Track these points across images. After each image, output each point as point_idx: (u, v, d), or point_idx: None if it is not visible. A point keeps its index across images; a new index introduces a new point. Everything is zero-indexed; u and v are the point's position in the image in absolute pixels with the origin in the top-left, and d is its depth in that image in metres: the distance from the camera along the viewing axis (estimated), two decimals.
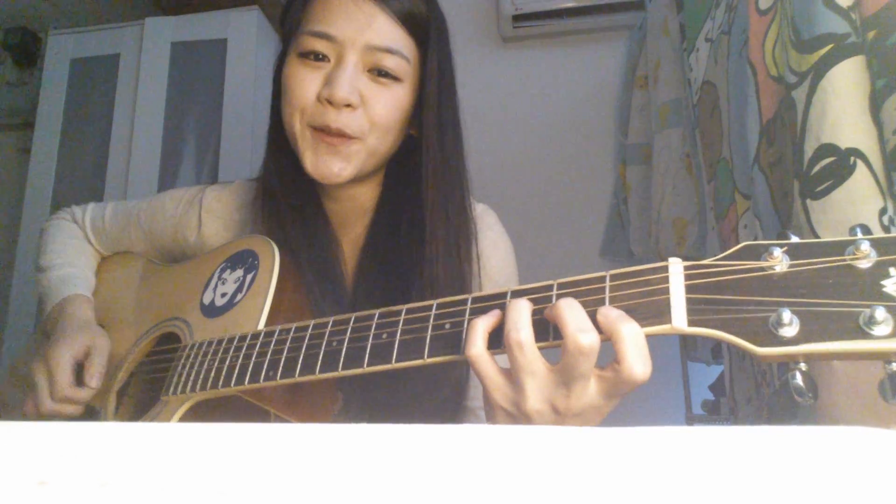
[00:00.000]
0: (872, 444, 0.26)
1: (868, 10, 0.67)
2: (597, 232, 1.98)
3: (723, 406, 1.61)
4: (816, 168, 0.70)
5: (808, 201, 0.70)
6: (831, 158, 0.68)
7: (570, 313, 0.46)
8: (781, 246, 0.43)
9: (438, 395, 0.76)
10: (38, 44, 2.53)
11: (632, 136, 1.82)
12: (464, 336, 0.51)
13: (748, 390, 1.01)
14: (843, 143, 0.68)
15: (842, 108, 0.68)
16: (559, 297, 0.49)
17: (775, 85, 0.82)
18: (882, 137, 0.66)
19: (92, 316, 0.89)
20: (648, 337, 0.46)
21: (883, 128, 0.66)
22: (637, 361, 0.45)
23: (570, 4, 2.00)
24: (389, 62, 0.75)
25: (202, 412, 0.67)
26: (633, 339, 0.45)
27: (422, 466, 0.26)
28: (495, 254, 0.84)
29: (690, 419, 1.68)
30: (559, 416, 0.48)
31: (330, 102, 0.74)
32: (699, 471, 0.24)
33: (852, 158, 0.67)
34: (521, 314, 0.48)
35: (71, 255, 0.97)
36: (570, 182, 2.04)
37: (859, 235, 0.41)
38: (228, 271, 0.76)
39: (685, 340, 1.72)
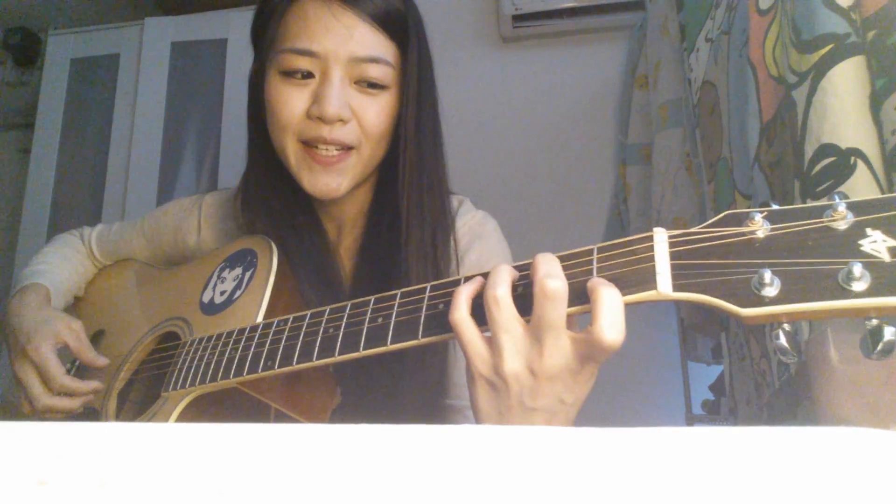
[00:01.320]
0: (872, 445, 0.26)
1: (868, 10, 0.67)
2: (597, 232, 1.98)
3: (723, 406, 1.61)
4: (817, 168, 0.70)
5: (809, 201, 0.71)
6: (831, 158, 0.68)
7: (542, 262, 0.47)
8: (762, 212, 0.44)
9: (422, 385, 0.76)
10: (38, 44, 2.53)
11: (632, 136, 1.82)
12: None
13: (748, 391, 1.01)
14: (844, 143, 0.68)
15: (842, 108, 0.68)
16: None
17: (775, 85, 0.82)
18: (882, 137, 0.66)
19: (44, 301, 0.87)
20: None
21: (883, 128, 0.66)
22: (608, 325, 0.45)
23: (570, 4, 2.00)
24: (374, 71, 0.75)
25: (203, 408, 0.67)
26: (608, 303, 0.45)
27: (421, 466, 0.26)
28: (493, 260, 0.83)
29: (690, 419, 1.68)
30: (535, 379, 0.48)
31: (321, 120, 0.74)
32: (699, 471, 0.24)
33: (853, 158, 0.67)
34: (500, 274, 0.49)
35: (52, 258, 0.97)
36: (570, 182, 2.04)
37: (837, 200, 0.42)
38: (228, 270, 0.76)
39: (685, 340, 1.72)
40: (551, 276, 0.46)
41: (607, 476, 0.25)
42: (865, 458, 0.25)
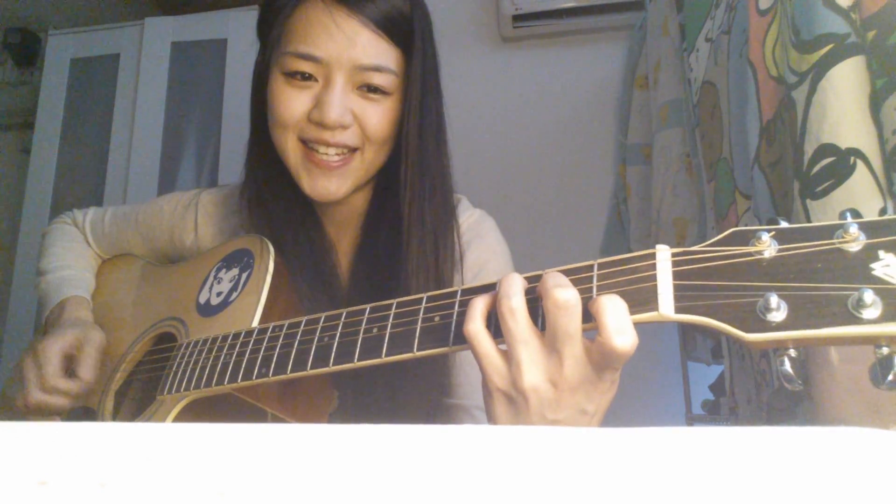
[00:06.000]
0: (872, 445, 0.26)
1: (868, 10, 0.67)
2: (597, 232, 1.98)
3: (723, 406, 1.60)
4: (816, 168, 0.70)
5: (809, 201, 0.71)
6: (831, 158, 0.68)
7: (551, 277, 0.46)
8: (770, 231, 0.42)
9: (423, 386, 0.76)
10: (38, 44, 2.53)
11: (632, 136, 1.82)
12: (453, 328, 0.50)
13: (748, 390, 1.01)
14: (843, 143, 0.68)
15: (842, 108, 0.68)
16: None
17: (775, 85, 0.82)
18: (882, 137, 0.66)
19: (89, 316, 0.89)
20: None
21: (883, 128, 0.66)
22: (616, 331, 0.44)
23: (570, 4, 2.00)
24: (378, 79, 0.75)
25: (199, 411, 0.67)
26: (611, 309, 0.44)
27: (421, 466, 0.26)
28: (492, 259, 0.83)
29: (690, 419, 1.68)
30: (556, 390, 0.47)
31: (322, 125, 0.74)
32: (699, 471, 0.24)
33: (852, 158, 0.67)
34: (512, 284, 0.48)
35: (70, 258, 0.97)
36: (570, 182, 2.04)
37: (849, 219, 0.40)
38: (224, 270, 0.76)
39: (685, 340, 1.72)
40: (560, 286, 0.45)
41: (607, 476, 0.25)
42: (865, 458, 0.25)
